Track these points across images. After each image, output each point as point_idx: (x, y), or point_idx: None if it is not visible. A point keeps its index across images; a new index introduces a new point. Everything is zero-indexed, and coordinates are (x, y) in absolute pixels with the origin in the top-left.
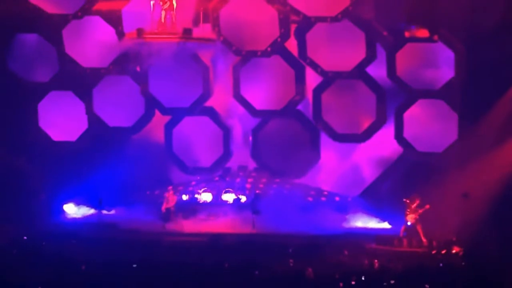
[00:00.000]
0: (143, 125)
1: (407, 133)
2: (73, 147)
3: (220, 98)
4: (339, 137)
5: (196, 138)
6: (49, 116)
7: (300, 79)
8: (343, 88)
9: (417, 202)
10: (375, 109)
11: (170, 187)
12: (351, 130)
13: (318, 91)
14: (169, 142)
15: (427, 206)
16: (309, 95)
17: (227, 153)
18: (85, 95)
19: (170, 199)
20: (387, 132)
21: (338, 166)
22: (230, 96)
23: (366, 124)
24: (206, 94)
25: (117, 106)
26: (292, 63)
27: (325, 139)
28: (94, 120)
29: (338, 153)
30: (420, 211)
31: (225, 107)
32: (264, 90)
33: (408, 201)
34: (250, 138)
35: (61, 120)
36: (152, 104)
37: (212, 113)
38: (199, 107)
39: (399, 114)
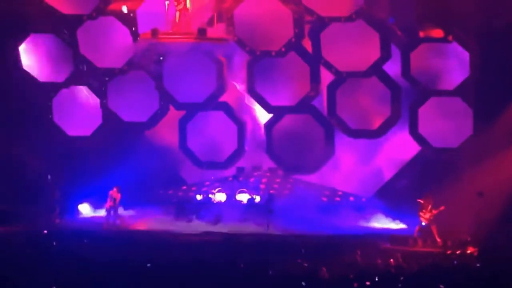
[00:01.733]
0: (157, 120)
1: (421, 129)
2: (88, 142)
3: (234, 94)
4: (353, 133)
5: (210, 133)
6: (63, 111)
7: (314, 75)
8: (357, 85)
9: (431, 202)
10: (389, 106)
11: (115, 186)
12: (365, 126)
13: (332, 87)
14: (183, 136)
15: (442, 208)
16: (324, 91)
17: (241, 148)
18: (100, 91)
19: (114, 197)
20: (402, 129)
21: (352, 166)
22: (244, 92)
23: (380, 120)
24: (220, 89)
25: (131, 101)
26: (307, 60)
27: (339, 138)
28: (108, 115)
29: (352, 153)
30: (435, 211)
31: (239, 102)
32: (279, 87)
33: (422, 201)
34: (263, 133)
35: (76, 115)
36: (166, 100)
37: (226, 108)
38: (213, 102)
39: (414, 110)
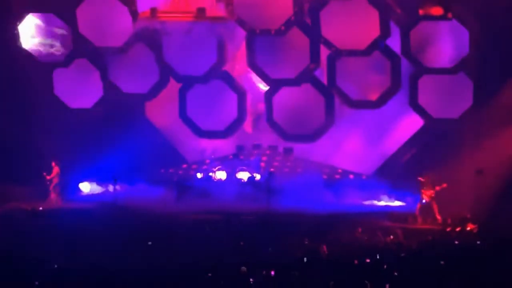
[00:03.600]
0: (157, 92)
1: (421, 101)
2: (89, 115)
3: (235, 68)
4: (353, 104)
5: (211, 102)
6: (64, 84)
7: (314, 50)
8: (357, 58)
9: (432, 179)
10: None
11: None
12: (365, 97)
13: (332, 58)
14: (183, 105)
15: (445, 185)
16: (324, 63)
17: (241, 117)
18: (100, 63)
19: (53, 171)
20: (402, 106)
21: (353, 144)
22: (245, 65)
23: (380, 91)
24: (221, 62)
25: (132, 73)
26: (307, 35)
27: (340, 116)
28: (109, 87)
29: (353, 131)
30: (437, 188)
31: (240, 75)
32: (279, 61)
33: (422, 179)
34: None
35: (76, 87)
36: (166, 72)
37: (226, 77)
38: (213, 75)
39: (413, 82)
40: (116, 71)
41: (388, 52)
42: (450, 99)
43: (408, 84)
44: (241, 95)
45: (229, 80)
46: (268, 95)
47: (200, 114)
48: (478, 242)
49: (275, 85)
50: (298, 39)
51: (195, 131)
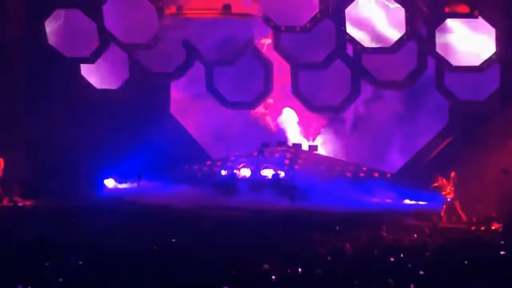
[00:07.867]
0: (184, 71)
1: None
2: (115, 103)
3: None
4: (380, 84)
5: (237, 74)
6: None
7: (340, 44)
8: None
9: (452, 176)
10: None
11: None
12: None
13: (357, 54)
14: (210, 79)
15: (453, 174)
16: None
17: (267, 89)
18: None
19: None
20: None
21: (377, 143)
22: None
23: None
24: (249, 45)
25: (159, 53)
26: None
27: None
28: (135, 67)
29: (377, 131)
30: (452, 183)
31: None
32: (306, 50)
33: (436, 184)
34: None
35: (102, 67)
36: (193, 55)
37: (253, 49)
38: (240, 59)
39: (440, 64)
40: (143, 53)
41: (414, 35)
42: (477, 82)
43: (434, 67)
44: (268, 67)
45: (256, 53)
46: (294, 68)
47: (226, 88)
48: (503, 242)
49: (301, 68)
50: (323, 32)
51: (222, 102)
